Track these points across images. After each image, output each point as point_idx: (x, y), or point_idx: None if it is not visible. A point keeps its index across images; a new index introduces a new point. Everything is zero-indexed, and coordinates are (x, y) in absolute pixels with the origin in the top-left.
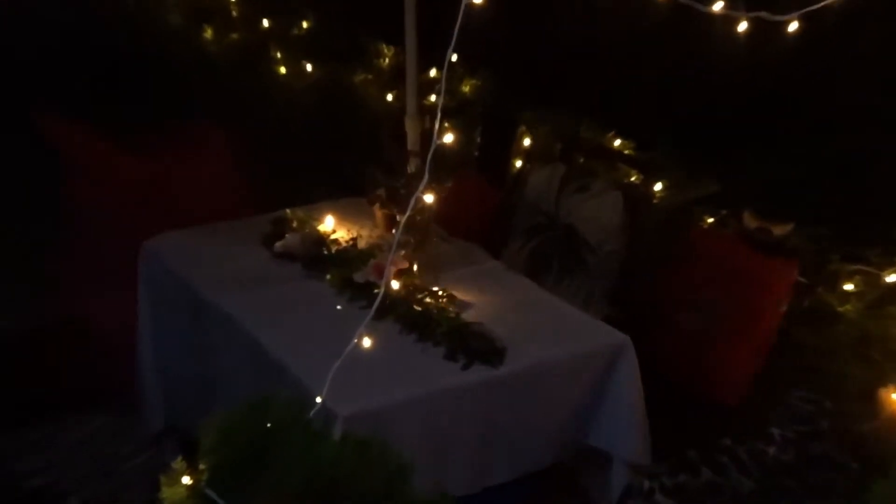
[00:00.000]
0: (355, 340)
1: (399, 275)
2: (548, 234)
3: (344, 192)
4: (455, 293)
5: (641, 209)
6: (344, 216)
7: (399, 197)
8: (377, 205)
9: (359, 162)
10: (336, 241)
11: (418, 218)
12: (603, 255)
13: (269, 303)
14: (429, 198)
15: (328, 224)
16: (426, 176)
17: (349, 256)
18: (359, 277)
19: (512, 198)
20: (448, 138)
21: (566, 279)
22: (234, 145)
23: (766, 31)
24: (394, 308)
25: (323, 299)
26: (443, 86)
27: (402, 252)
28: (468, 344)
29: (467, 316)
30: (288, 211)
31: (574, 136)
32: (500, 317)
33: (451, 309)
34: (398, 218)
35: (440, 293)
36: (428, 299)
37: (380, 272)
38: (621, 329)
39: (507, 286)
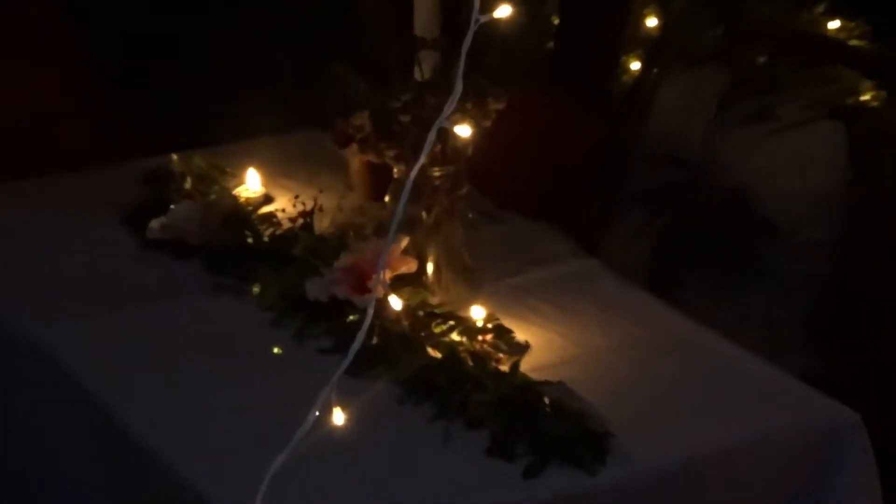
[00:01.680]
0: (315, 414)
1: (400, 285)
2: (692, 203)
3: (287, 120)
4: (509, 322)
5: (881, 158)
6: (287, 168)
7: (399, 130)
8: (353, 146)
9: (315, 62)
10: (271, 217)
11: (439, 173)
12: (801, 247)
13: (136, 339)
14: (462, 131)
15: (253, 184)
16: (457, 88)
17: (298, 249)
18: (315, 291)
19: (622, 133)
20: (501, 12)
21: (727, 293)
22: (73, 32)
23: None
24: (389, 353)
25: (245, 334)
26: None
27: (406, 240)
28: (536, 426)
29: (534, 369)
30: (175, 157)
31: (742, 14)
32: (598, 370)
33: (501, 355)
34: (396, 172)
35: (480, 323)
36: (456, 335)
37: (359, 280)
38: (837, 394)
39: (612, 307)
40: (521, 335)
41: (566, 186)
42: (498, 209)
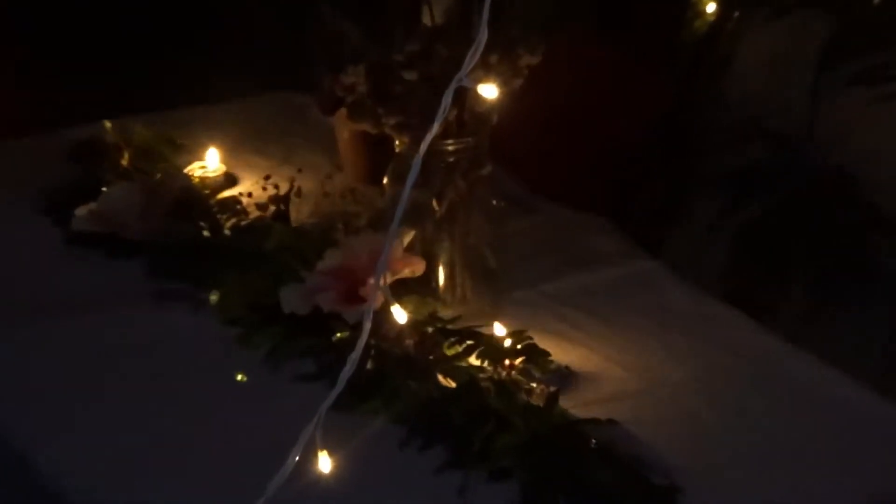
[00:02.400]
0: (294, 460)
1: (403, 293)
2: (784, 188)
3: (257, 78)
4: (544, 342)
5: None
6: (256, 141)
7: (403, 91)
8: (343, 112)
9: (294, 4)
10: (234, 203)
11: (454, 147)
12: None
13: (58, 362)
14: (486, 92)
15: (212, 160)
16: (480, 37)
17: (270, 245)
18: (293, 302)
19: (694, 97)
20: None
21: (832, 307)
22: None
23: None
24: (389, 381)
25: (200, 356)
26: None
27: (410, 234)
28: (579, 476)
29: (577, 404)
30: (108, 125)
31: None
32: (662, 406)
33: (534, 384)
34: (399, 146)
35: (510, 343)
36: (475, 359)
37: (350, 287)
38: None
39: (681, 324)
40: (560, 359)
41: (620, 166)
42: (532, 195)
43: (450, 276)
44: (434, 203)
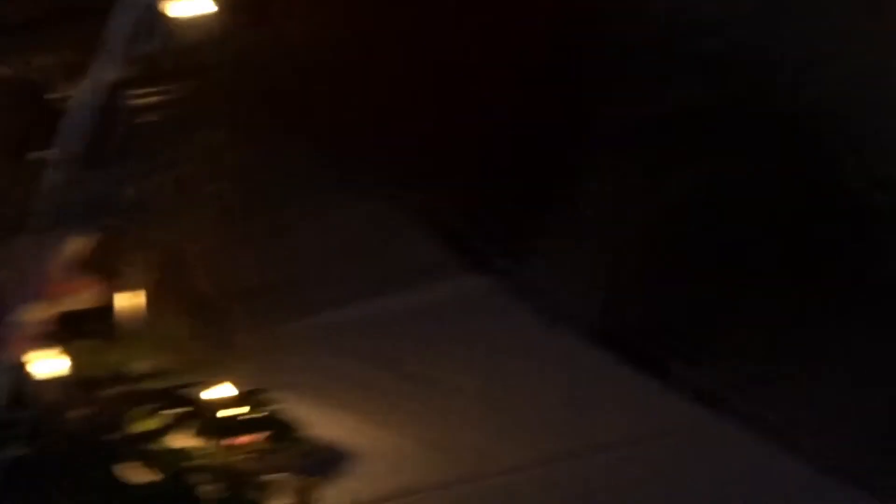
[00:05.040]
0: None
1: (70, 334)
2: (737, 147)
3: None
4: (307, 405)
5: None
6: None
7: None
8: None
9: None
10: None
11: (144, 102)
12: None
13: None
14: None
15: None
16: None
17: None
18: None
19: (594, 8)
20: None
21: (796, 331)
22: None
23: None
24: (49, 478)
25: None
26: None
27: (81, 240)
28: None
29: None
30: None
31: None
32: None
33: (283, 476)
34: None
35: (244, 410)
36: (188, 436)
37: None
38: None
39: (535, 374)
40: (327, 433)
41: (466, 116)
42: (326, 175)
43: (155, 307)
44: (126, 190)
